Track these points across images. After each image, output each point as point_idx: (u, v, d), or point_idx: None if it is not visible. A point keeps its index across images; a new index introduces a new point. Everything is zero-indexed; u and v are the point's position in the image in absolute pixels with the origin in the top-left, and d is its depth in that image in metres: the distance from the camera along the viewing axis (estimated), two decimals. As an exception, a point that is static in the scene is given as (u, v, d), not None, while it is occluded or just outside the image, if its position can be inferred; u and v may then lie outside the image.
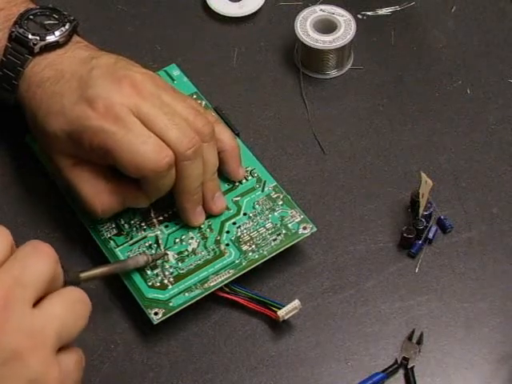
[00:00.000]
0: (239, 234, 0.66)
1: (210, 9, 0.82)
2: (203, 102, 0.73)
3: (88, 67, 0.65)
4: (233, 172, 0.69)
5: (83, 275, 0.60)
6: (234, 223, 0.67)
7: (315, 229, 0.66)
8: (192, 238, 0.66)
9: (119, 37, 0.80)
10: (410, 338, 0.64)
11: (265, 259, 0.65)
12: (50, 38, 0.67)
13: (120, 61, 0.66)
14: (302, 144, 0.74)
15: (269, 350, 0.64)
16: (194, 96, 0.73)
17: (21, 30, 0.67)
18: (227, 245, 0.66)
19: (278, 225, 0.66)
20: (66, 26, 0.67)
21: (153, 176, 0.62)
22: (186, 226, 0.67)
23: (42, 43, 0.66)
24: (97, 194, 0.64)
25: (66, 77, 0.65)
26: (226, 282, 0.64)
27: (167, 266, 0.65)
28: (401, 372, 0.63)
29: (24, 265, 0.49)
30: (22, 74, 0.66)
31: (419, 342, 0.63)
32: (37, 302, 0.50)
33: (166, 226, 0.67)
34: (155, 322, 0.62)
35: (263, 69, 0.79)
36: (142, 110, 0.62)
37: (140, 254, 0.65)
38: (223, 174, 0.68)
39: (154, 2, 0.83)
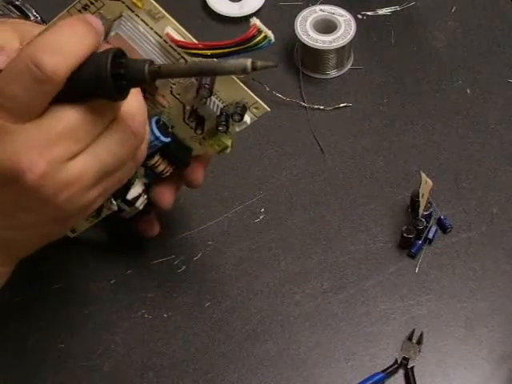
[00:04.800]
0: None
1: (210, 9, 0.82)
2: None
3: None
4: None
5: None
6: None
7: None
8: None
9: (119, 37, 0.80)
10: (410, 338, 0.64)
11: None
12: None
13: None
14: (302, 144, 0.74)
15: (269, 349, 0.64)
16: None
17: None
18: None
19: None
20: None
21: None
22: None
23: None
24: None
25: None
26: None
27: None
28: (401, 372, 0.63)
29: None
30: None
31: (419, 342, 0.63)
32: None
33: None
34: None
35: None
36: None
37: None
38: None
39: (154, 2, 0.83)
